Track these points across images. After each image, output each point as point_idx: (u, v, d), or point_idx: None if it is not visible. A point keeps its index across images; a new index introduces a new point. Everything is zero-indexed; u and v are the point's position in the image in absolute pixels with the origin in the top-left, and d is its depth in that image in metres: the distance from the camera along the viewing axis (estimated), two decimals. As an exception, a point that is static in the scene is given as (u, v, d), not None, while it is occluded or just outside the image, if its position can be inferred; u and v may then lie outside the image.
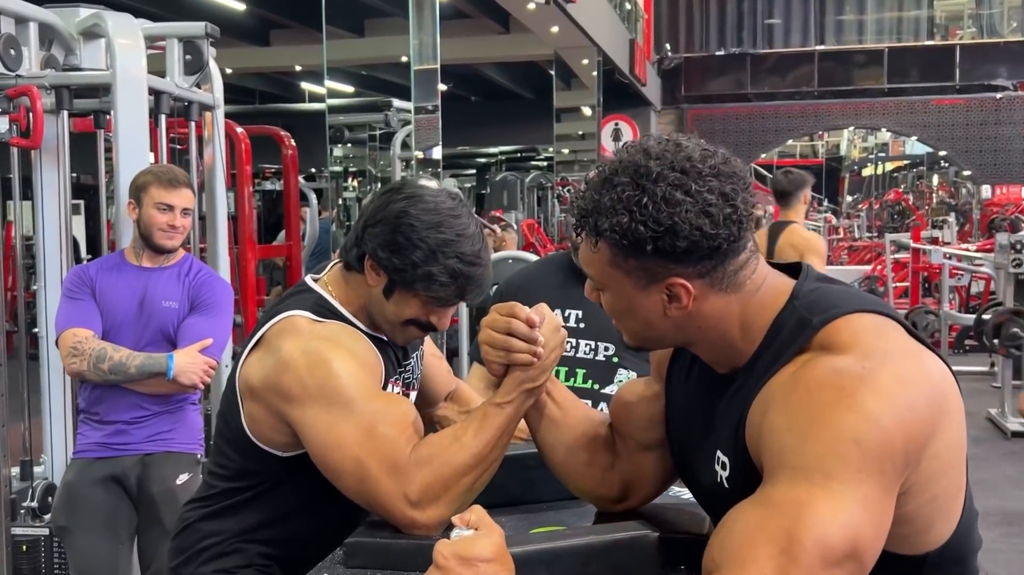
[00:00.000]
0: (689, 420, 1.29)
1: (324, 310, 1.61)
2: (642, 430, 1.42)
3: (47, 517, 3.04)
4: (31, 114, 2.83)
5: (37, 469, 3.27)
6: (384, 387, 1.62)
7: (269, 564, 1.65)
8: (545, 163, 17.87)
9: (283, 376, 1.49)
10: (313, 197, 7.70)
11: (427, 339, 1.87)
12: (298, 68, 15.01)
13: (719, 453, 1.19)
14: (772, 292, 1.16)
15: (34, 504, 3.04)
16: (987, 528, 4.02)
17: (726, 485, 1.18)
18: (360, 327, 1.62)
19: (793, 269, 1.21)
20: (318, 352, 1.49)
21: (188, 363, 2.68)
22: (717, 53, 18.26)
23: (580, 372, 2.25)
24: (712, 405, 1.22)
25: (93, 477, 2.75)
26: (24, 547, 2.97)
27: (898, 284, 12.44)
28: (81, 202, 9.75)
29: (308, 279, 1.69)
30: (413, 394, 1.80)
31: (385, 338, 1.66)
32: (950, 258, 9.31)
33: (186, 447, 2.86)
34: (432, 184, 1.65)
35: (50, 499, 3.04)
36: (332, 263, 1.71)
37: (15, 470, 3.18)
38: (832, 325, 1.09)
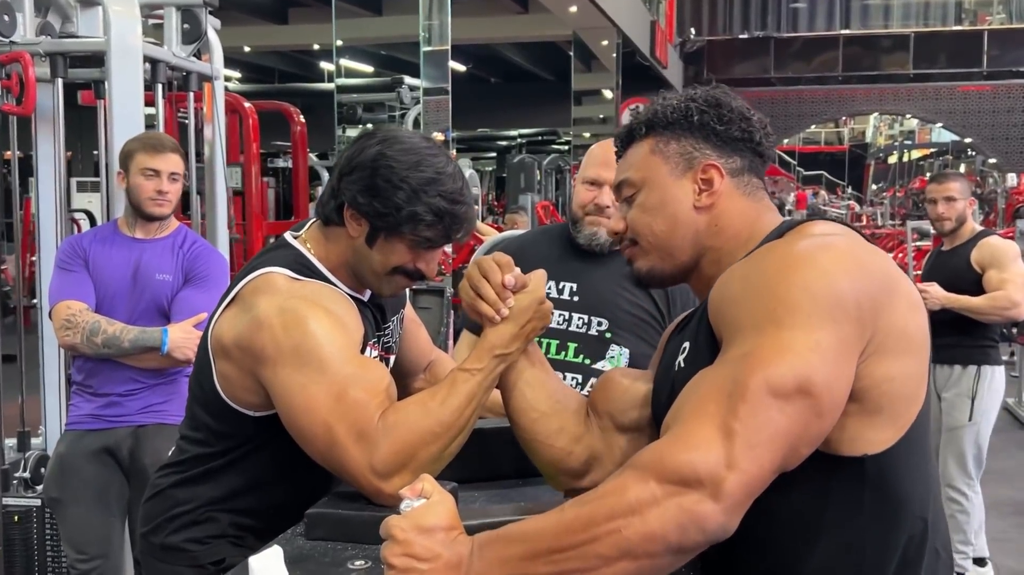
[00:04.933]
0: (670, 354, 1.30)
1: (303, 268, 1.54)
2: (623, 410, 1.39)
3: (39, 488, 3.03)
4: (24, 81, 2.80)
5: (35, 440, 3.27)
6: (363, 350, 1.56)
7: (243, 535, 1.60)
8: (565, 147, 17.79)
9: (257, 335, 1.44)
10: (325, 175, 7.66)
11: (407, 304, 1.82)
12: (316, 47, 14.98)
13: (683, 344, 1.23)
14: (772, 220, 1.25)
15: (26, 475, 3.04)
16: (999, 518, 3.95)
17: (683, 365, 1.20)
18: (339, 286, 1.57)
19: None
20: (295, 312, 1.44)
21: (183, 338, 2.65)
22: (741, 36, 18.07)
23: (572, 346, 2.21)
24: (690, 325, 1.26)
25: (86, 449, 2.73)
26: (16, 517, 2.96)
27: (919, 272, 12.27)
28: (101, 179, 9.80)
29: (288, 235, 1.62)
30: (392, 358, 1.74)
31: (365, 299, 1.61)
32: (971, 245, 9.15)
33: (180, 419, 2.81)
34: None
35: (42, 470, 3.03)
36: (311, 220, 1.64)
37: (11, 441, 3.18)
38: (806, 223, 1.18)
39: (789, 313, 1.02)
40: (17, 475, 3.05)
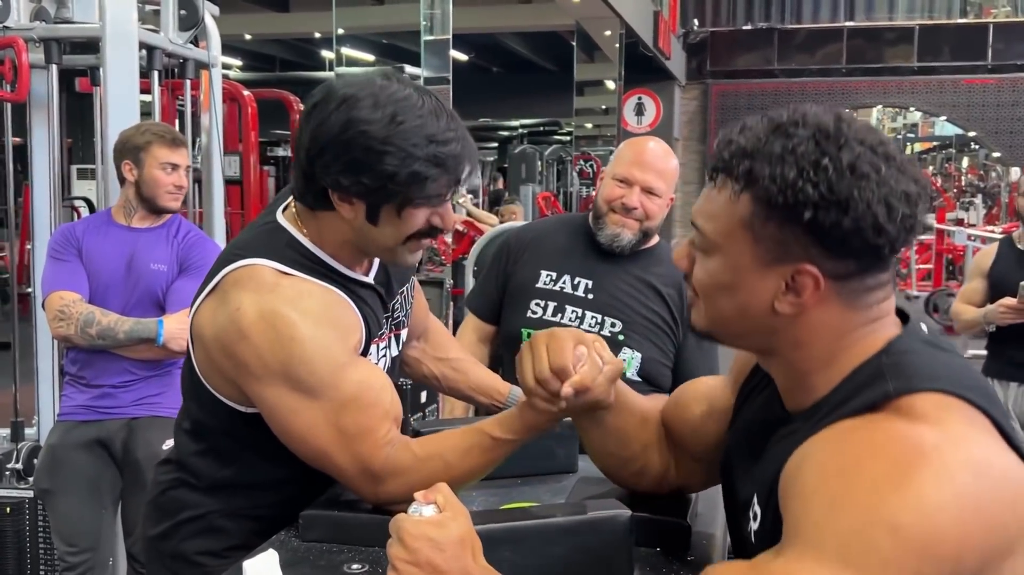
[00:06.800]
0: (741, 453, 1.12)
1: (297, 257, 1.37)
2: (700, 446, 1.29)
3: (32, 479, 2.99)
4: (17, 67, 2.76)
5: (29, 431, 3.23)
6: (367, 349, 1.44)
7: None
8: (567, 137, 17.73)
9: (239, 345, 1.30)
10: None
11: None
12: (317, 35, 14.89)
13: (755, 501, 1.02)
14: (877, 333, 0.97)
15: (19, 466, 3.00)
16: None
17: (752, 540, 1.01)
18: (341, 270, 1.40)
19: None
20: (279, 321, 1.29)
21: (179, 329, 2.60)
22: (744, 27, 17.98)
23: None
24: (764, 444, 1.05)
25: (78, 440, 2.70)
26: (8, 509, 2.93)
27: (921, 266, 12.25)
28: (97, 166, 9.75)
29: (278, 213, 1.43)
30: (404, 332, 1.63)
31: (370, 280, 1.47)
32: (974, 239, 9.13)
33: (174, 412, 2.74)
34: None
35: (35, 461, 3.00)
36: (290, 198, 1.45)
37: (5, 431, 3.15)
38: (912, 396, 0.90)
39: (863, 551, 0.81)
40: (9, 466, 3.01)
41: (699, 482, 1.35)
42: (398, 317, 1.59)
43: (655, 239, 2.26)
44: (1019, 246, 3.58)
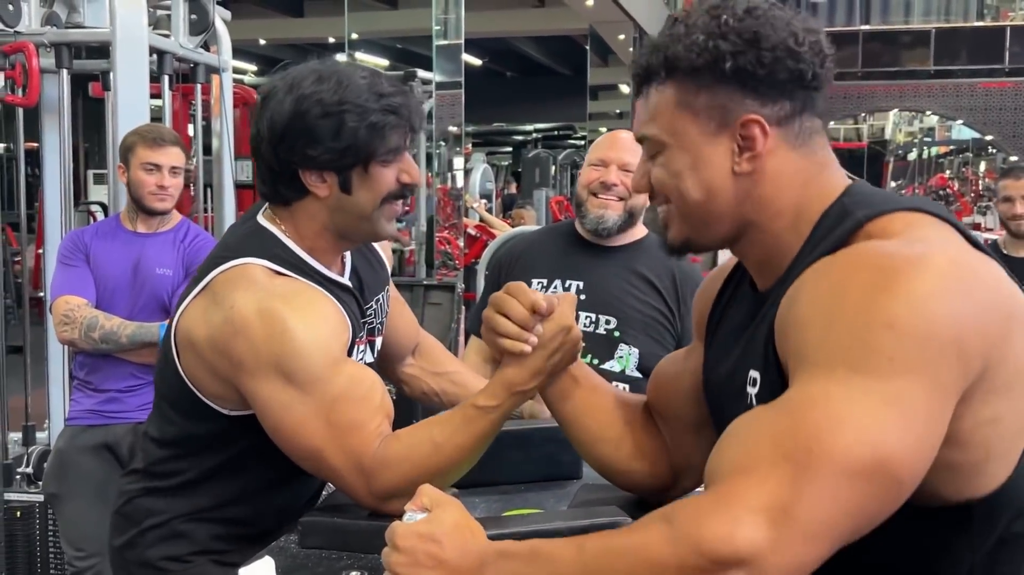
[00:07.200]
0: (724, 357, 1.13)
1: (283, 257, 1.39)
2: (687, 408, 1.26)
3: (42, 483, 3.01)
4: (28, 71, 2.77)
5: (40, 435, 3.25)
6: (351, 349, 1.44)
7: (227, 550, 1.47)
8: (581, 141, 17.71)
9: (234, 340, 1.31)
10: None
11: (390, 281, 1.70)
12: (331, 40, 14.95)
13: (751, 371, 1.03)
14: (832, 181, 1.04)
15: (29, 470, 3.01)
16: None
17: (754, 402, 1.01)
18: (320, 270, 1.42)
19: None
20: (275, 316, 1.30)
21: None
22: (759, 31, 17.97)
23: None
24: (746, 329, 1.07)
25: (85, 444, 2.70)
26: (18, 513, 2.94)
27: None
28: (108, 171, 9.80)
29: (259, 216, 1.46)
30: (379, 339, 1.62)
31: (346, 282, 1.48)
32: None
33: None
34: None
35: (45, 466, 3.01)
36: (263, 205, 1.48)
37: (16, 435, 3.16)
38: (881, 219, 0.95)
39: (866, 353, 0.84)
40: (20, 470, 3.03)
41: (703, 459, 1.31)
42: (373, 324, 1.59)
43: (642, 231, 2.25)
44: (1004, 251, 3.60)
